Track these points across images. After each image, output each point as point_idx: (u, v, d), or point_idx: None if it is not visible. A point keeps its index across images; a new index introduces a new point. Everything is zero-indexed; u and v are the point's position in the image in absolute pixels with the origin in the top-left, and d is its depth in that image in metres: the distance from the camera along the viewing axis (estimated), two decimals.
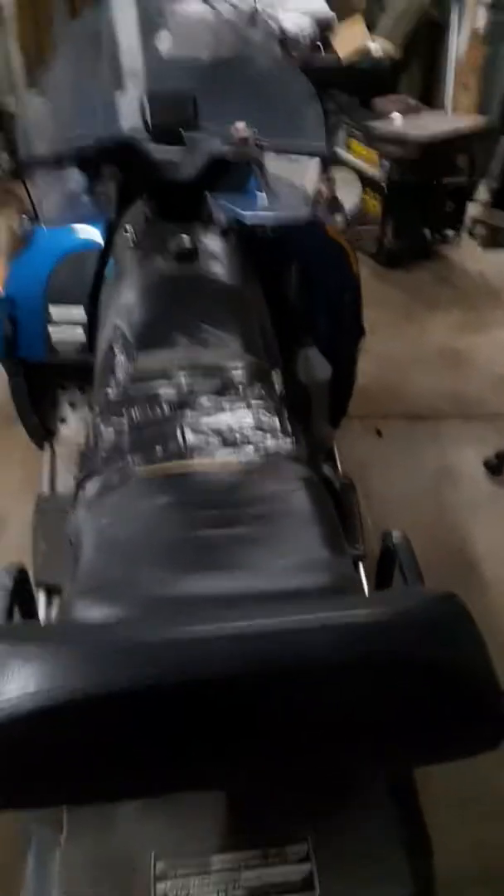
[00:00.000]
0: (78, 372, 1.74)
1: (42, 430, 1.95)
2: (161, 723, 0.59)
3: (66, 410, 1.97)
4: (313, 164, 1.80)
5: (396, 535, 0.97)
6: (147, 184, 1.59)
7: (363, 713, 0.61)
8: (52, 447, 1.95)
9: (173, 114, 1.60)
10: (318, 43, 4.21)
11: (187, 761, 0.61)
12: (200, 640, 0.61)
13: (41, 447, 1.97)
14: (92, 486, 1.02)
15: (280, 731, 0.60)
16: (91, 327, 1.68)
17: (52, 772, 0.60)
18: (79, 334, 1.73)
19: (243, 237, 1.62)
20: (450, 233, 3.88)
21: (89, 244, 1.70)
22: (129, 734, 0.59)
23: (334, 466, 1.84)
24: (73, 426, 1.93)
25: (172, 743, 0.60)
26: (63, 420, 1.98)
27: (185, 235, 1.44)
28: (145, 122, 1.59)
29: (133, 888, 0.72)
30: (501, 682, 0.64)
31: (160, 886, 0.72)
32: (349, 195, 3.67)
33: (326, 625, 0.62)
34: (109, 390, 1.23)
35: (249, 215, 1.64)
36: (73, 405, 1.96)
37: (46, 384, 1.91)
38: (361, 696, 0.61)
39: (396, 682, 0.61)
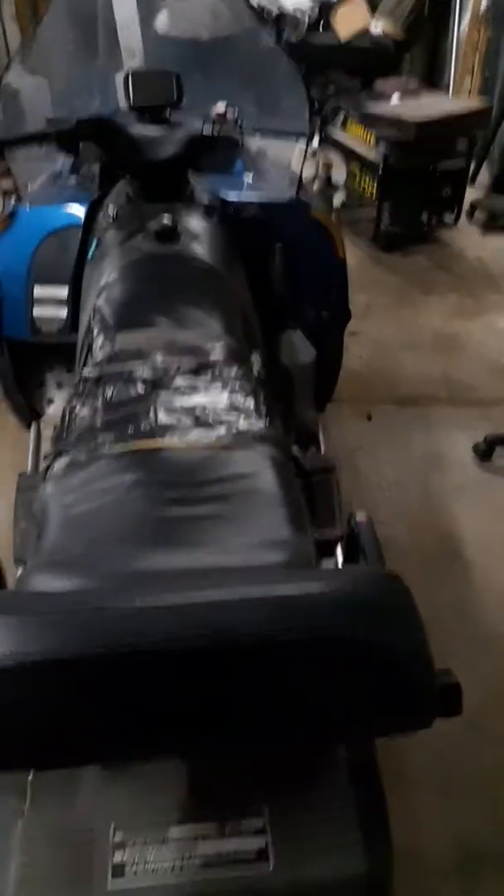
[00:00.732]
0: (64, 352, 1.74)
1: (28, 411, 1.95)
2: (102, 690, 0.60)
3: (54, 391, 1.97)
4: (300, 146, 1.79)
5: (360, 516, 0.98)
6: (129, 163, 1.58)
7: (296, 686, 0.62)
8: (38, 428, 1.95)
9: (156, 93, 1.59)
10: (319, 22, 4.18)
11: (132, 729, 0.62)
12: (138, 611, 0.62)
13: (28, 427, 1.98)
14: (60, 464, 1.03)
15: (216, 700, 0.62)
16: (74, 307, 1.68)
17: (8, 735, 0.61)
18: (62, 314, 1.73)
19: (227, 218, 1.61)
20: (448, 217, 3.86)
21: (74, 223, 1.70)
22: (74, 700, 0.60)
23: (318, 449, 1.84)
24: (60, 407, 1.94)
25: (116, 710, 0.61)
26: (51, 401, 1.98)
27: (166, 215, 1.43)
28: (128, 100, 1.58)
29: (92, 856, 0.74)
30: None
31: (118, 855, 0.74)
32: (340, 176, 3.66)
33: (263, 598, 0.63)
34: (86, 370, 1.23)
35: (232, 195, 1.63)
36: (60, 386, 1.96)
37: (33, 364, 1.91)
38: (295, 670, 0.61)
39: (330, 656, 0.61)
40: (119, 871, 0.73)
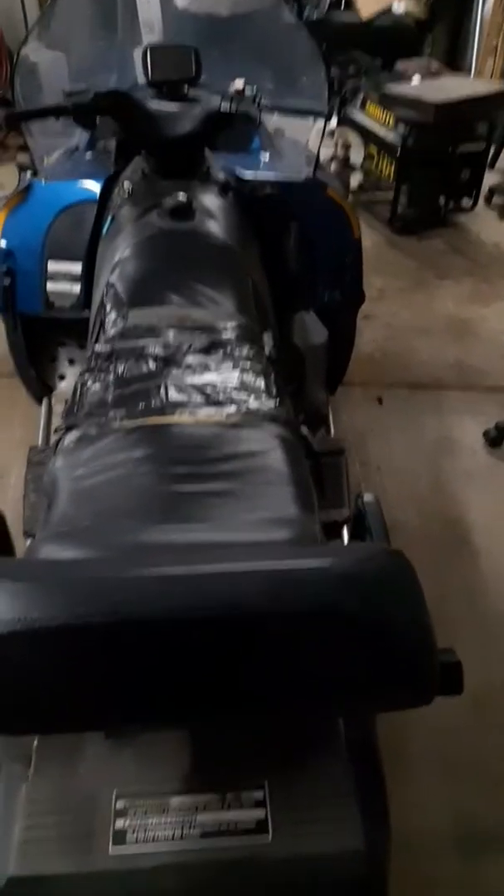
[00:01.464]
0: (76, 328, 1.74)
1: (40, 385, 1.96)
2: (107, 656, 0.61)
3: (65, 367, 1.98)
4: (318, 125, 1.77)
5: (368, 497, 0.98)
6: (146, 139, 1.57)
7: (298, 658, 0.63)
8: (49, 403, 1.96)
9: (174, 68, 1.58)
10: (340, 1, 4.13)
11: (135, 695, 0.63)
12: (143, 579, 0.63)
13: (39, 402, 1.99)
14: (71, 438, 1.03)
15: (218, 670, 0.62)
16: (87, 283, 1.68)
17: (13, 699, 0.62)
18: (76, 289, 1.73)
19: (242, 196, 1.60)
20: (466, 201, 3.82)
21: (89, 199, 1.69)
22: (79, 666, 0.61)
23: (327, 431, 1.84)
24: (71, 382, 1.94)
25: (120, 676, 0.62)
26: (62, 377, 1.99)
27: (181, 192, 1.43)
28: (146, 75, 1.57)
29: (94, 823, 0.75)
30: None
31: (119, 822, 0.75)
32: (358, 158, 3.63)
33: (267, 570, 0.64)
34: (98, 345, 1.23)
35: (248, 173, 1.62)
36: (72, 362, 1.96)
37: (45, 340, 1.92)
38: (297, 642, 0.62)
39: (332, 629, 0.62)
40: (120, 837, 0.74)
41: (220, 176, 1.59)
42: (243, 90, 1.55)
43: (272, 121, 1.86)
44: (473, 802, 1.50)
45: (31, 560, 0.82)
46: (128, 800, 0.77)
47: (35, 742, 0.81)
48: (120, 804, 0.76)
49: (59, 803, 0.77)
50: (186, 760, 0.79)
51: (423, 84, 3.55)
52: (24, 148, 1.79)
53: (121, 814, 0.76)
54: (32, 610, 0.60)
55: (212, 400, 1.08)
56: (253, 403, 1.08)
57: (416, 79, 3.59)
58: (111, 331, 1.25)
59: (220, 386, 1.11)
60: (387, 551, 0.68)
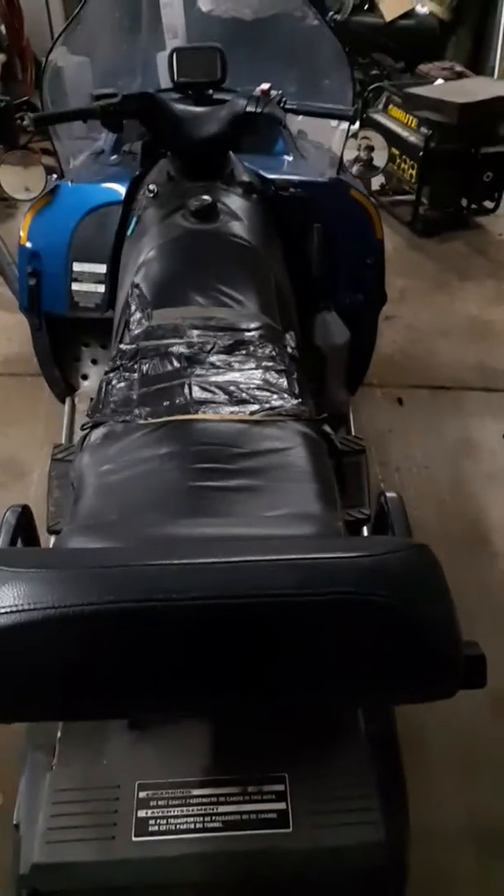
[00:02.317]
0: (100, 328, 1.76)
1: (63, 384, 1.98)
2: (131, 643, 0.62)
3: (89, 367, 2.00)
4: (342, 127, 1.78)
5: (391, 495, 0.99)
6: (172, 141, 1.59)
7: (322, 648, 0.64)
8: (72, 402, 1.99)
9: (201, 71, 1.59)
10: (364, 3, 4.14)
11: (159, 682, 0.64)
12: (168, 568, 0.64)
13: (62, 401, 2.01)
14: (97, 434, 1.05)
15: (242, 659, 0.63)
16: (112, 284, 1.70)
17: (35, 685, 0.64)
18: (100, 290, 1.75)
19: (266, 197, 1.62)
20: (488, 203, 3.81)
21: (114, 201, 1.71)
22: (104, 652, 0.63)
23: (348, 431, 1.85)
24: (94, 382, 1.96)
25: (144, 663, 0.63)
26: (85, 377, 2.01)
27: (206, 193, 1.44)
28: (172, 78, 1.59)
29: (116, 812, 0.77)
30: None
31: (141, 813, 0.76)
32: (380, 159, 3.61)
33: (292, 561, 0.65)
34: (123, 345, 1.25)
35: (272, 174, 1.63)
36: (95, 362, 1.99)
37: (69, 339, 1.94)
38: (321, 632, 0.63)
39: (356, 620, 0.63)
40: (142, 827, 0.75)
41: (245, 177, 1.60)
42: (268, 92, 1.56)
43: (296, 123, 1.87)
44: (491, 800, 1.50)
45: (59, 549, 0.83)
46: (150, 790, 0.78)
47: (59, 731, 0.82)
48: (142, 794, 0.78)
49: (83, 792, 0.78)
50: (208, 752, 0.80)
51: (446, 86, 3.54)
52: (49, 151, 1.81)
53: (143, 804, 0.77)
54: (60, 596, 0.61)
55: (235, 398, 1.10)
56: (276, 402, 1.10)
57: (439, 81, 3.58)
58: (136, 330, 1.27)
59: (243, 384, 1.13)
60: (412, 545, 0.68)
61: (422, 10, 4.28)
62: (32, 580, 0.62)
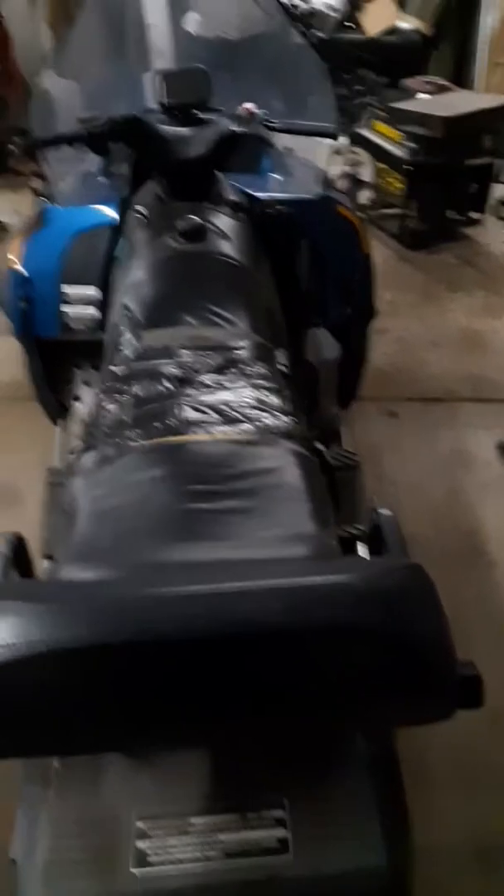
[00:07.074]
0: (92, 350, 1.76)
1: (57, 407, 1.98)
2: (126, 676, 0.62)
3: (81, 388, 2.00)
4: (327, 143, 1.79)
5: (384, 511, 0.98)
6: (159, 163, 1.59)
7: (318, 674, 0.63)
8: (65, 424, 1.98)
9: (188, 91, 1.60)
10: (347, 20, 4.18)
11: (156, 715, 0.64)
12: (162, 599, 0.64)
13: (55, 423, 2.01)
14: (89, 459, 1.05)
15: (238, 687, 0.63)
16: (103, 306, 1.70)
17: (29, 722, 0.63)
18: (91, 313, 1.75)
19: (254, 216, 1.62)
20: (474, 214, 3.84)
21: (103, 223, 1.72)
22: (99, 687, 0.62)
23: (340, 446, 1.84)
24: (87, 404, 1.96)
25: (140, 696, 0.63)
26: (77, 398, 2.00)
27: (193, 215, 1.45)
28: (160, 100, 1.60)
29: (115, 844, 0.75)
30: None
31: (140, 844, 0.75)
32: (367, 174, 3.64)
33: (286, 587, 0.64)
34: (114, 367, 1.25)
35: (259, 192, 1.64)
36: (87, 383, 1.98)
37: (62, 362, 1.94)
38: (316, 657, 0.63)
39: (351, 644, 0.63)
40: (141, 858, 0.74)
41: (232, 196, 1.61)
42: (252, 112, 1.57)
43: (281, 140, 1.88)
44: (493, 817, 1.49)
45: (52, 581, 0.83)
46: (149, 821, 0.77)
47: (55, 763, 0.81)
48: (141, 825, 0.76)
49: (81, 825, 0.77)
50: (206, 780, 0.79)
51: (430, 100, 3.58)
52: (39, 174, 1.82)
53: (142, 835, 0.76)
54: (55, 631, 0.61)
55: (227, 418, 1.10)
56: (268, 421, 1.10)
57: (422, 95, 3.62)
58: (126, 352, 1.27)
59: (235, 404, 1.12)
60: (405, 566, 0.68)
61: (404, 25, 4.32)
62: (21, 614, 0.62)
